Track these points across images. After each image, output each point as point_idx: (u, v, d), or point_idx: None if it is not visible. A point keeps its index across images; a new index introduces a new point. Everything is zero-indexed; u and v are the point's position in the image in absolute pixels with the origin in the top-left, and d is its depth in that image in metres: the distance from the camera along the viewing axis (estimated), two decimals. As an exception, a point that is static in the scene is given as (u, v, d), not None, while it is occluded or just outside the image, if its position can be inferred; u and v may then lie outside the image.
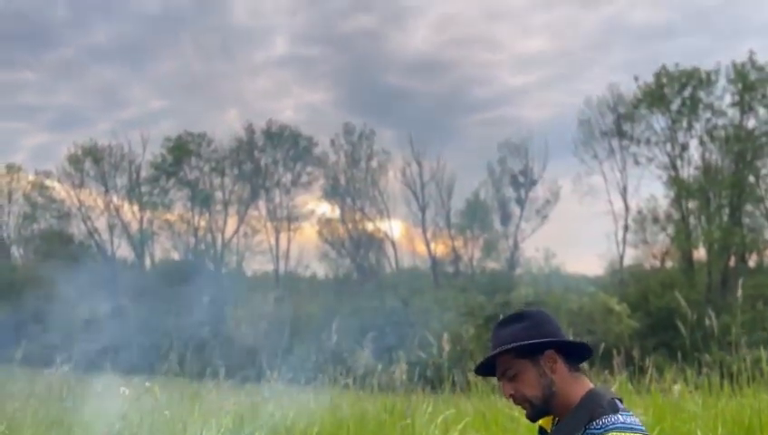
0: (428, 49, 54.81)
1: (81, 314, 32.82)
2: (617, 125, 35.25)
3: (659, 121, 33.99)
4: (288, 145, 40.43)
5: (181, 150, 39.77)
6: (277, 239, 40.01)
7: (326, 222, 40.60)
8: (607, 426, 1.87)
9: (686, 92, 32.79)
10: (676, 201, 33.85)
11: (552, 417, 2.06)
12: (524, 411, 2.08)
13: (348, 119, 52.01)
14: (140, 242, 40.04)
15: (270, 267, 41.08)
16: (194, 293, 34.13)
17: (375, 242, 40.00)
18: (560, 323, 2.15)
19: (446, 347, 6.80)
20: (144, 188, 40.26)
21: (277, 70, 57.39)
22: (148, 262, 41.17)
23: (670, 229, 34.93)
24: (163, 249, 41.40)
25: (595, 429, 1.88)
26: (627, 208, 35.36)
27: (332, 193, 40.20)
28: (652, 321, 26.89)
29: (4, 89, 56.28)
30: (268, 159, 40.62)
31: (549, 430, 2.07)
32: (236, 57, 57.06)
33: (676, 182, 33.30)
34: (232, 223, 40.14)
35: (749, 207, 33.13)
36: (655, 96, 33.22)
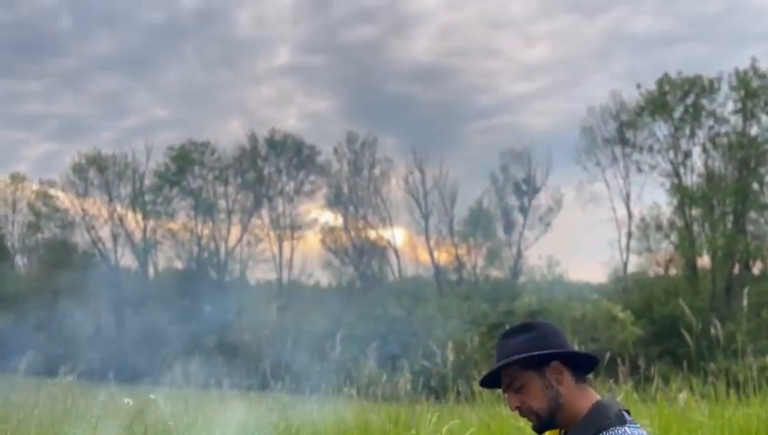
0: (431, 57, 54.99)
1: (85, 323, 32.89)
2: (619, 133, 35.26)
3: (662, 129, 34.02)
4: (291, 154, 40.53)
5: (185, 159, 39.87)
6: (280, 248, 40.07)
7: (329, 230, 40.66)
8: (614, 438, 1.86)
9: (689, 100, 32.80)
10: (680, 209, 33.79)
11: (558, 429, 2.05)
12: (530, 423, 2.08)
13: (351, 127, 52.14)
14: (144, 251, 40.07)
15: (273, 276, 41.13)
16: (197, 302, 34.18)
17: (378, 250, 40.00)
18: (563, 331, 2.15)
19: (451, 357, 6.77)
20: (147, 197, 40.35)
21: (280, 79, 57.62)
22: (151, 271, 41.24)
23: (674, 237, 34.86)
24: (166, 258, 41.49)
25: (603, 441, 1.88)
26: (630, 216, 35.36)
27: (335, 201, 40.27)
28: (656, 328, 26.80)
29: (9, 98, 56.57)
30: (271, 167, 40.74)
31: (556, 443, 2.06)
32: (240, 66, 57.34)
33: (679, 190, 33.25)
34: (235, 232, 40.24)
35: (753, 215, 33.05)
36: (657, 103, 33.23)
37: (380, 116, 54.97)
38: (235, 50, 56.73)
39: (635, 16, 53.16)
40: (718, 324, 6.67)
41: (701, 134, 33.03)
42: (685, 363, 7.75)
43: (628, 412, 1.98)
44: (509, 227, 38.59)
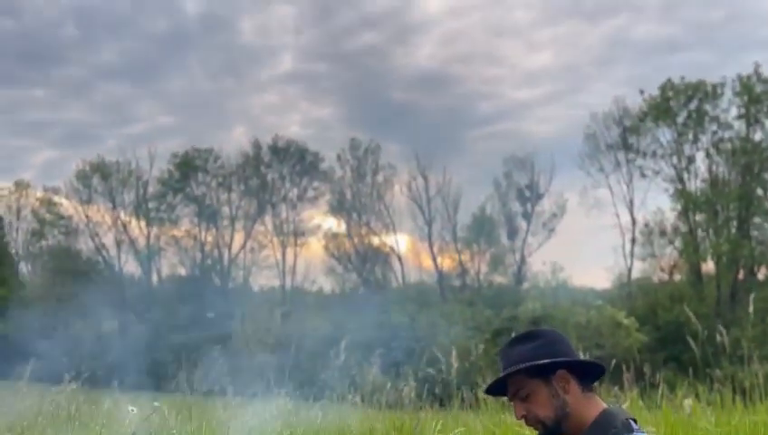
0: (433, 64, 55.10)
1: (89, 330, 32.90)
2: (623, 138, 35.25)
3: (665, 134, 34.01)
4: (294, 160, 40.61)
5: (188, 166, 39.99)
6: (284, 254, 40.09)
7: (332, 237, 40.67)
8: (621, 448, 1.85)
9: (692, 105, 32.79)
10: (684, 214, 33.71)
11: (564, 438, 2.04)
12: (536, 432, 2.07)
13: (354, 134, 52.12)
14: (147, 258, 40.13)
15: (276, 282, 41.13)
16: (201, 308, 34.21)
17: (381, 256, 39.99)
18: (568, 337, 2.14)
19: (455, 364, 6.75)
20: (151, 204, 40.45)
21: (284, 86, 57.79)
22: (155, 277, 41.28)
23: (678, 242, 34.78)
24: (170, 265, 41.53)
25: (610, 450, 1.87)
26: (634, 221, 35.29)
27: (339, 208, 40.29)
28: (661, 335, 26.72)
29: (14, 106, 56.86)
30: (274, 174, 40.81)
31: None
32: (243, 74, 57.54)
33: (683, 195, 33.19)
34: (239, 238, 40.29)
35: (757, 220, 32.97)
36: (661, 109, 33.22)
37: (384, 123, 55.02)
38: (238, 57, 56.96)
39: (637, 23, 53.26)
40: (724, 331, 6.64)
41: (704, 139, 33.03)
42: (690, 370, 7.72)
43: (635, 421, 1.97)
44: (512, 233, 38.57)
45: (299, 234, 40.47)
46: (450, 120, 53.11)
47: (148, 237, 40.02)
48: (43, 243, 43.22)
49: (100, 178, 39.72)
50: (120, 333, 35.91)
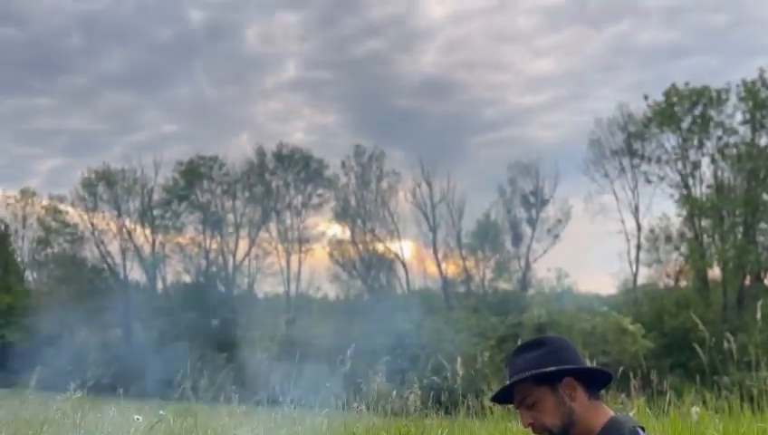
0: (438, 71, 55.19)
1: (95, 338, 32.92)
2: (627, 144, 35.20)
3: (670, 140, 33.95)
4: (299, 167, 40.68)
5: (193, 174, 40.09)
6: (288, 261, 40.10)
7: (337, 243, 40.66)
8: (630, 456, 1.84)
9: (697, 111, 32.72)
10: (689, 220, 33.61)
11: (572, 446, 2.03)
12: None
13: (358, 140, 52.23)
14: (152, 265, 40.20)
15: (281, 289, 41.12)
16: (206, 316, 34.23)
17: (386, 263, 39.95)
18: (573, 343, 2.14)
19: (460, 371, 6.73)
20: (156, 212, 40.54)
21: (288, 93, 57.97)
22: (160, 285, 41.34)
23: (683, 248, 34.65)
24: (175, 272, 41.58)
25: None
26: (639, 227, 35.19)
27: (343, 214, 40.31)
28: (667, 341, 26.59)
29: (20, 114, 57.19)
30: (279, 181, 40.88)
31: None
32: (248, 81, 57.75)
33: (688, 201, 33.09)
34: (243, 245, 40.33)
35: (763, 226, 32.81)
36: (665, 115, 33.17)
37: (388, 129, 55.09)
38: (243, 65, 57.21)
39: (641, 29, 53.27)
40: (731, 338, 6.60)
41: (709, 145, 32.94)
42: (698, 377, 7.67)
43: (643, 429, 1.97)
44: (517, 239, 38.49)
45: (303, 241, 40.53)
46: (454, 126, 53.18)
47: (153, 245, 40.13)
48: (49, 251, 43.38)
49: (106, 186, 39.86)
50: (125, 340, 35.95)
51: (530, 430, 2.06)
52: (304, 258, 40.47)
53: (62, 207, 41.24)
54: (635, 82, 52.50)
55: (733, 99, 32.09)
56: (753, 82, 31.54)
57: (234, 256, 40.09)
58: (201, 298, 35.88)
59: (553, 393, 1.99)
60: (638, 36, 52.49)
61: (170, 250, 40.90)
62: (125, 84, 57.44)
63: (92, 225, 39.95)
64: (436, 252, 38.35)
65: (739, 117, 32.20)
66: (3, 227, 44.05)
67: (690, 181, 33.48)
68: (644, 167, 34.88)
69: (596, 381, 2.06)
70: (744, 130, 32.24)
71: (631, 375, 7.18)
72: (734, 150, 32.31)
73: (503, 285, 39.13)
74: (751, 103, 31.59)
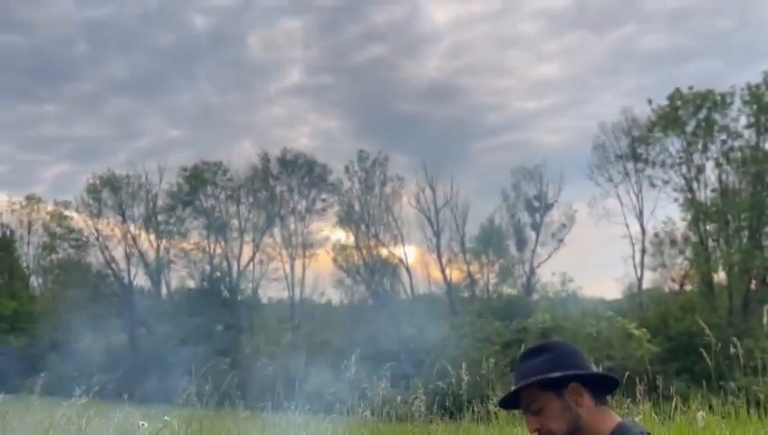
0: (441, 76, 55.29)
1: (100, 343, 32.96)
2: (631, 148, 35.13)
3: (674, 144, 33.85)
4: (303, 172, 40.72)
5: (197, 179, 40.17)
6: (292, 266, 40.11)
7: (341, 249, 40.64)
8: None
9: (701, 114, 32.63)
10: (694, 224, 33.48)
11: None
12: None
13: (362, 145, 52.43)
14: (157, 271, 40.25)
15: (285, 294, 41.11)
16: (210, 321, 34.22)
17: (390, 268, 39.90)
18: (579, 349, 2.13)
19: (465, 377, 6.71)
20: (161, 217, 40.63)
21: (292, 99, 58.15)
22: (164, 290, 41.37)
23: (688, 252, 34.52)
24: (179, 277, 41.61)
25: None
26: (643, 232, 35.08)
27: (347, 219, 40.28)
28: (672, 345, 26.45)
29: (25, 121, 57.49)
30: (283, 186, 40.94)
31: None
32: (251, 87, 57.94)
33: (693, 205, 32.98)
34: (247, 251, 40.34)
35: (769, 229, 32.65)
36: (669, 119, 33.09)
37: (391, 134, 55.27)
38: (246, 71, 57.39)
39: (645, 33, 53.28)
40: (738, 342, 6.57)
41: (714, 149, 32.83)
42: (704, 382, 7.63)
43: (650, 434, 1.96)
44: (521, 243, 38.40)
45: (307, 246, 40.54)
46: (458, 131, 53.21)
47: (157, 250, 40.19)
48: (54, 256, 43.49)
49: (111, 192, 39.96)
50: (129, 345, 35.98)
51: (536, 435, 2.05)
52: (308, 263, 40.54)
53: (67, 212, 41.42)
54: (639, 86, 52.57)
55: (737, 102, 32.01)
56: (758, 86, 31.44)
57: (238, 261, 40.16)
58: (205, 303, 35.88)
59: (559, 399, 1.98)
60: (641, 40, 52.54)
61: (175, 255, 41.01)
62: (130, 91, 57.75)
63: (97, 230, 40.07)
64: (440, 257, 38.35)
65: (744, 120, 32.11)
66: (8, 233, 44.24)
67: (695, 185, 33.38)
68: (648, 171, 34.83)
69: (602, 387, 2.06)
70: (749, 134, 32.13)
71: (637, 380, 7.15)
72: (739, 154, 32.18)
73: (507, 290, 39.06)
74: (755, 107, 31.49)
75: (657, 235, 35.35)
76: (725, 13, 50.29)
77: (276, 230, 40.71)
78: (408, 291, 39.75)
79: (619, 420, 2.00)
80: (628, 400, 6.72)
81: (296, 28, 59.06)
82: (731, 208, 32.12)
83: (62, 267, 41.92)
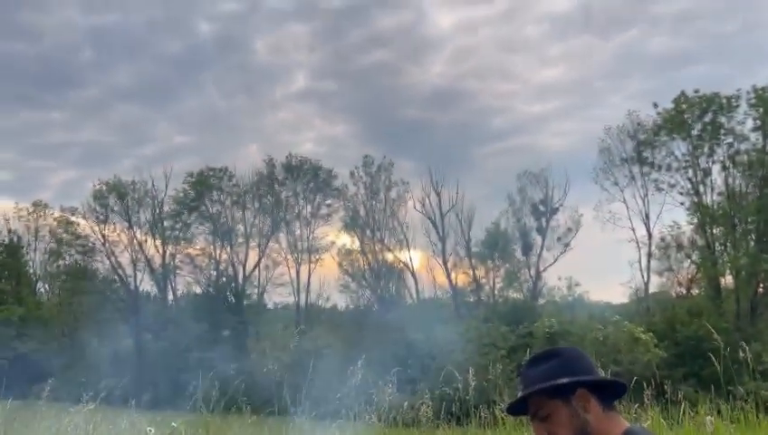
0: (446, 81, 55.35)
1: (106, 349, 33.02)
2: (637, 152, 35.01)
3: (680, 147, 33.73)
4: (308, 178, 40.76)
5: (203, 185, 40.26)
6: (298, 271, 40.11)
7: (346, 253, 40.63)
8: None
9: (707, 118, 32.50)
10: (701, 228, 33.33)
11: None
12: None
13: (367, 150, 52.52)
14: (163, 276, 40.32)
15: (291, 299, 41.11)
16: (216, 327, 34.26)
17: (395, 273, 39.85)
18: (586, 354, 2.12)
19: (473, 382, 6.69)
20: (167, 223, 40.70)
21: (297, 104, 58.34)
22: (170, 296, 41.43)
23: (695, 256, 34.35)
24: (185, 283, 41.68)
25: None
26: (650, 235, 34.93)
27: (352, 224, 40.27)
28: (680, 350, 26.31)
29: (32, 128, 57.84)
30: (288, 191, 40.97)
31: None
32: (257, 93, 58.15)
33: (699, 208, 32.83)
34: (253, 256, 40.39)
35: (776, 233, 32.44)
36: (675, 122, 32.97)
37: (396, 139, 55.33)
38: (252, 77, 57.62)
39: (650, 36, 53.23)
40: (747, 347, 6.53)
41: (720, 152, 32.68)
42: (712, 386, 7.59)
43: (659, 440, 1.95)
44: (527, 248, 38.29)
45: (313, 251, 40.53)
46: (463, 135, 53.28)
47: (163, 256, 40.27)
48: (61, 262, 43.62)
49: (117, 198, 40.08)
50: (136, 351, 36.03)
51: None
52: (314, 268, 40.52)
53: (73, 219, 41.52)
54: (644, 89, 52.44)
55: (743, 105, 31.88)
56: (764, 89, 31.28)
57: (244, 266, 40.19)
58: (211, 309, 35.92)
59: (567, 405, 1.97)
60: (646, 44, 52.48)
61: (181, 261, 41.07)
62: (135, 97, 58.08)
63: (104, 236, 40.20)
64: (445, 261, 38.26)
65: (750, 124, 31.97)
66: (15, 240, 44.42)
67: (701, 189, 33.22)
68: (654, 175, 34.69)
69: (610, 392, 2.04)
70: (756, 137, 31.96)
71: (644, 385, 7.12)
72: (746, 157, 32.03)
73: (513, 295, 38.95)
74: (761, 110, 31.34)
75: (663, 238, 35.22)
76: (731, 16, 50.26)
77: (282, 235, 40.79)
78: (414, 296, 39.73)
79: (628, 425, 1.99)
80: (636, 405, 6.68)
81: (302, 34, 59.32)
82: (738, 212, 31.95)
83: (69, 273, 42.03)
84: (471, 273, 38.63)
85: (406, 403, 7.06)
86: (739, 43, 48.81)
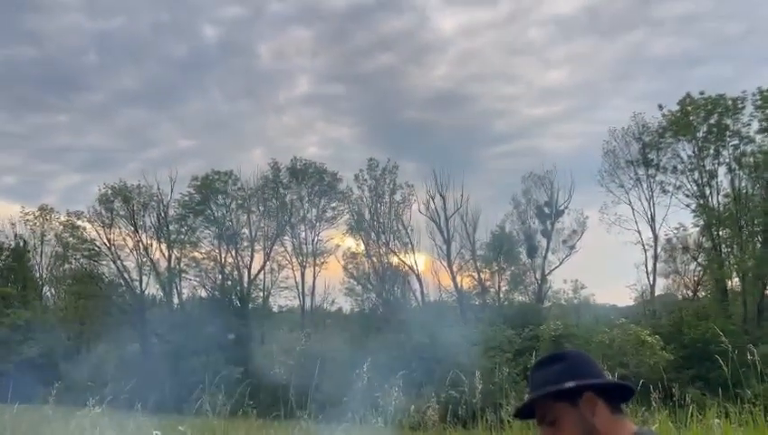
0: (449, 84, 55.38)
1: (112, 353, 33.07)
2: (642, 154, 34.93)
3: (686, 149, 33.64)
4: (313, 181, 40.79)
5: (208, 189, 40.34)
6: (303, 275, 40.11)
7: (351, 256, 40.61)
8: (655, 472, 1.81)
9: (713, 120, 32.40)
10: (707, 230, 33.20)
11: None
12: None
13: (371, 153, 52.53)
14: (169, 280, 40.39)
15: (296, 303, 41.12)
16: (222, 330, 34.27)
17: (400, 276, 39.80)
18: (591, 356, 2.11)
19: (479, 385, 6.67)
20: (172, 227, 40.77)
21: (301, 108, 58.45)
22: (176, 300, 41.47)
23: (701, 259, 34.20)
24: (191, 287, 41.73)
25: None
26: (655, 238, 34.81)
27: (357, 228, 40.28)
28: (687, 353, 26.20)
29: (38, 132, 58.12)
30: (293, 195, 41.00)
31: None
32: (261, 97, 58.31)
33: (705, 210, 32.71)
34: (258, 259, 40.42)
35: (783, 235, 32.29)
36: (680, 124, 32.89)
37: (401, 142, 55.39)
38: (256, 81, 57.78)
39: (655, 38, 53.14)
40: (755, 350, 6.50)
41: (726, 154, 32.57)
42: (719, 389, 7.55)
43: (667, 444, 1.94)
44: (532, 250, 38.21)
45: (318, 254, 40.54)
46: (467, 138, 53.26)
47: (169, 260, 40.33)
48: (67, 266, 43.73)
49: (122, 202, 40.18)
50: (142, 355, 36.09)
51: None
52: (319, 272, 40.52)
53: (79, 223, 41.61)
54: (649, 91, 52.39)
55: (749, 107, 31.78)
56: (770, 90, 31.19)
57: (249, 270, 40.21)
58: (217, 312, 35.95)
59: (574, 409, 1.96)
60: (651, 46, 52.41)
61: (186, 265, 41.11)
62: (141, 101, 58.30)
63: (109, 240, 40.26)
64: (450, 264, 38.19)
65: (756, 125, 31.85)
66: (22, 244, 44.60)
67: (707, 191, 33.11)
68: (660, 177, 34.61)
69: (618, 396, 2.03)
70: (762, 139, 31.85)
71: (651, 388, 7.09)
72: (752, 159, 31.91)
73: (518, 298, 38.86)
74: (767, 111, 31.24)
75: (669, 241, 35.11)
76: (735, 17, 50.12)
77: (287, 239, 40.82)
78: (419, 299, 39.66)
79: (636, 428, 1.98)
80: (644, 408, 6.65)
81: (305, 38, 59.46)
82: (744, 214, 31.82)
83: (75, 277, 42.13)
84: (476, 276, 38.57)
85: (412, 407, 7.04)
86: (743, 44, 48.68)
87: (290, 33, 60.04)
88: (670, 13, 52.11)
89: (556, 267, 37.72)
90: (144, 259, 40.02)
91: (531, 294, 38.41)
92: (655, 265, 34.74)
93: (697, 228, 34.00)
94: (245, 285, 40.14)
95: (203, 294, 41.25)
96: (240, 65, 58.86)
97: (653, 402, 6.76)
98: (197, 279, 41.17)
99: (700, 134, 32.78)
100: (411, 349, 26.27)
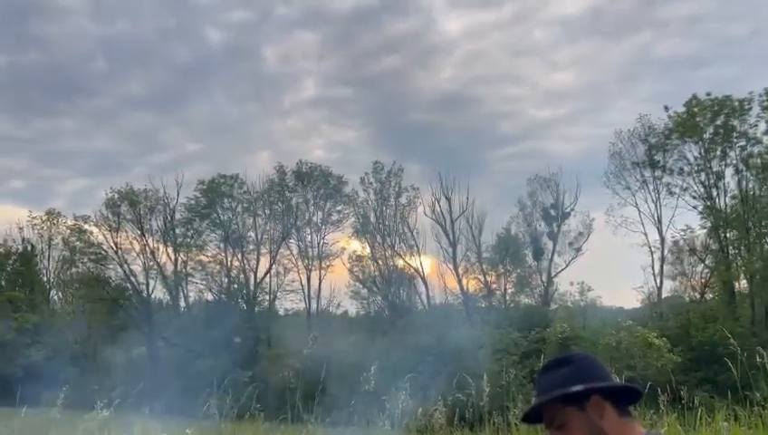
0: (455, 86, 55.38)
1: (120, 356, 33.16)
2: (648, 156, 34.81)
3: (692, 151, 33.51)
4: (318, 184, 40.85)
5: (214, 192, 40.45)
6: (309, 278, 40.14)
7: (357, 259, 40.63)
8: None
9: (719, 121, 32.27)
10: (714, 232, 33.04)
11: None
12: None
13: (377, 156, 52.63)
14: (175, 284, 40.49)
15: (302, 306, 41.15)
16: (228, 333, 34.32)
17: (406, 279, 39.77)
18: (598, 359, 2.10)
19: (487, 388, 6.66)
20: (178, 231, 40.89)
21: (307, 111, 58.56)
22: (182, 303, 41.59)
23: (709, 260, 34.03)
24: (197, 290, 41.83)
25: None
26: (662, 240, 34.66)
27: (363, 231, 40.29)
28: (694, 355, 26.06)
29: (45, 136, 58.43)
30: (299, 198, 41.07)
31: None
32: (267, 100, 58.46)
33: (712, 212, 32.56)
34: (264, 262, 40.48)
35: (791, 236, 32.11)
36: (687, 125, 32.77)
37: (406, 145, 55.43)
38: (262, 84, 57.94)
39: (660, 39, 53.02)
40: (764, 352, 6.45)
41: (733, 155, 32.43)
42: (728, 392, 7.51)
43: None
44: (538, 253, 38.12)
45: (323, 257, 40.57)
46: (473, 140, 53.22)
47: (175, 263, 40.44)
48: (74, 270, 43.90)
49: (129, 206, 40.32)
50: (149, 358, 36.18)
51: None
52: (325, 275, 40.54)
53: (86, 227, 41.77)
54: (655, 92, 52.22)
55: (755, 108, 31.63)
56: (776, 91, 31.05)
57: (255, 273, 40.28)
58: (223, 316, 36.02)
59: (582, 413, 1.95)
60: (657, 47, 52.28)
61: (192, 268, 41.22)
62: (147, 105, 58.56)
63: (116, 244, 40.40)
64: (456, 267, 38.13)
65: (762, 126, 31.72)
66: (29, 248, 44.81)
67: (714, 192, 32.96)
68: (666, 178, 34.48)
69: (625, 399, 2.02)
70: (768, 140, 31.71)
71: (659, 391, 7.06)
72: (759, 160, 31.77)
73: (524, 300, 38.76)
74: (774, 112, 31.10)
75: (676, 243, 34.96)
76: (741, 18, 49.94)
77: (292, 242, 40.86)
78: (425, 302, 39.61)
79: (644, 432, 1.97)
80: (652, 411, 6.62)
81: (311, 41, 59.60)
82: (751, 215, 31.66)
83: (82, 281, 42.29)
84: (482, 278, 38.51)
85: (420, 410, 7.03)
86: (749, 45, 48.50)
87: (296, 36, 60.24)
88: (675, 14, 52.04)
89: (562, 270, 37.66)
90: (151, 263, 40.16)
91: (537, 297, 38.31)
92: (662, 267, 34.61)
93: (704, 230, 33.87)
94: (251, 288, 40.21)
95: (209, 297, 41.39)
96: (246, 69, 59.09)
97: (661, 405, 6.73)
98: (204, 282, 41.32)
99: (707, 135, 32.65)
100: (418, 352, 26.23)
